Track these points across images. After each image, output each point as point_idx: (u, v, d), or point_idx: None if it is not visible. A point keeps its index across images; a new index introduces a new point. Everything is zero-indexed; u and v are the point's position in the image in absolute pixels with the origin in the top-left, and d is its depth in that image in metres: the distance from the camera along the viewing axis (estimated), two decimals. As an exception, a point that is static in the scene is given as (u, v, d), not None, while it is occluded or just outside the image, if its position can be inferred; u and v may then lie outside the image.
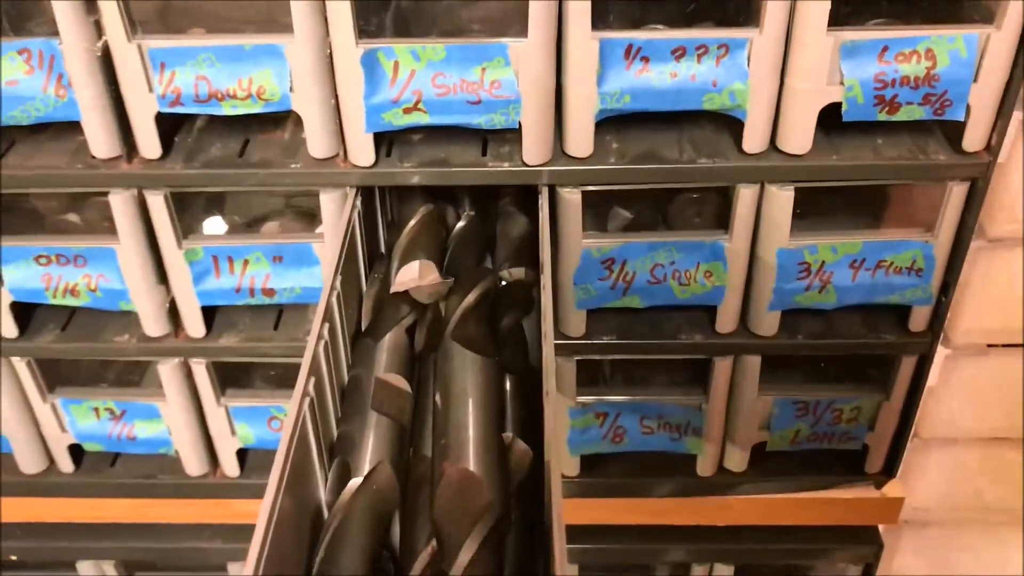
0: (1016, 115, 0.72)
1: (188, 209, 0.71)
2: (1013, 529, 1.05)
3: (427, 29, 0.63)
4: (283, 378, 0.81)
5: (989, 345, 0.88)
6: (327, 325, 0.55)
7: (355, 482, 0.48)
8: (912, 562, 1.07)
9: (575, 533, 0.86)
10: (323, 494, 0.52)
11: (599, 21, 0.61)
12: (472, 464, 0.49)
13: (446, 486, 0.48)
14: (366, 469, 0.51)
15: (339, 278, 0.61)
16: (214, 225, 0.76)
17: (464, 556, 0.44)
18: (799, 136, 0.64)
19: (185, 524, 0.89)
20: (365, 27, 0.60)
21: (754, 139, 0.64)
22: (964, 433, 0.95)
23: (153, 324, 0.74)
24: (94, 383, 0.83)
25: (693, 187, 0.69)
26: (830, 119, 0.64)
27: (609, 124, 0.67)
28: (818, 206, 0.74)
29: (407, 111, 0.62)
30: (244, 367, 0.80)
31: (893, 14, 0.66)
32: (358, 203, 0.67)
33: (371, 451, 0.53)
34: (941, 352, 0.86)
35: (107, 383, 0.84)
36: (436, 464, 0.51)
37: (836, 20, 0.60)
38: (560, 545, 0.39)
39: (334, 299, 0.58)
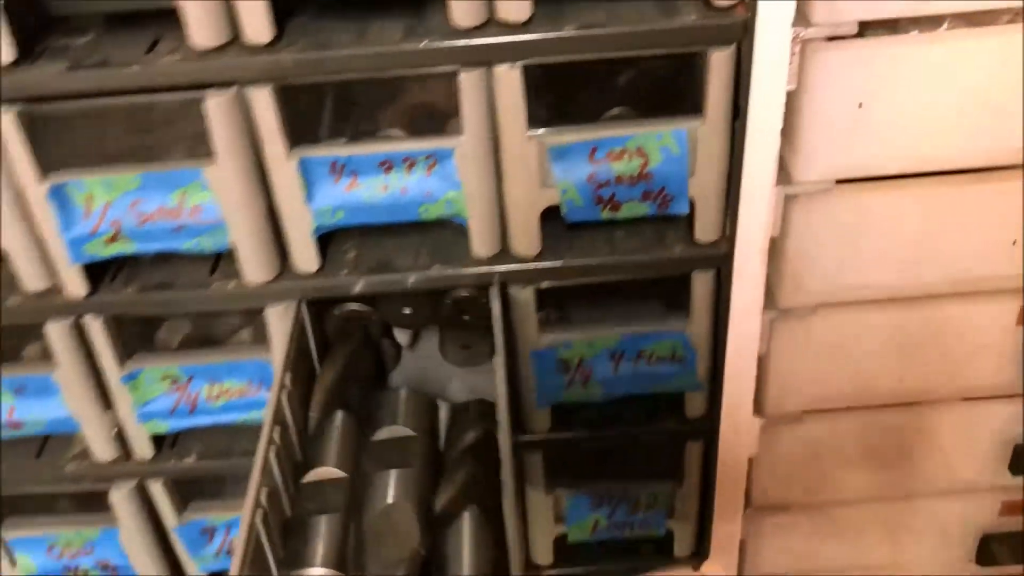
0: (778, 190, 0.72)
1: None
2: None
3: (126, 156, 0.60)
4: (55, 505, 0.78)
5: (804, 412, 0.87)
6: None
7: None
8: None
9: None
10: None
11: (310, 135, 0.59)
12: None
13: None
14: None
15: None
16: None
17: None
18: (525, 240, 0.62)
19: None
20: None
21: (482, 244, 0.63)
22: (795, 499, 0.94)
23: (-95, 462, 0.71)
24: None
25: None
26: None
27: (351, 232, 0.65)
28: (594, 297, 0.73)
29: (109, 241, 0.60)
30: (16, 497, 0.77)
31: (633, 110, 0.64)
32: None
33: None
34: (756, 422, 0.85)
35: None
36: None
37: (565, 118, 0.59)
38: None
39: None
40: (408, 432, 0.67)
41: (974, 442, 0.90)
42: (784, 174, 0.72)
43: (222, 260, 0.65)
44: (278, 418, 0.58)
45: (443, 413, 0.74)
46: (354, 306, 0.70)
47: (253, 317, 0.73)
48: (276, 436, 0.57)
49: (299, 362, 0.63)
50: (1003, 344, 0.83)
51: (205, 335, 0.75)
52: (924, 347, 0.83)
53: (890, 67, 0.67)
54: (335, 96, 0.61)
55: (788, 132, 0.68)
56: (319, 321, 0.69)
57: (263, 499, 0.53)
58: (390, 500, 0.60)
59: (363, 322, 0.71)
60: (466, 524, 0.61)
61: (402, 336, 0.76)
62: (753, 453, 0.86)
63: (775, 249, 0.75)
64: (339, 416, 0.64)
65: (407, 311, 0.72)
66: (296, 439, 0.61)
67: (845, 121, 0.69)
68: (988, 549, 0.97)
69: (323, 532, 0.57)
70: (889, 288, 0.79)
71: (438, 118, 0.62)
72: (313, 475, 0.61)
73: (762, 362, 0.81)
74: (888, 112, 0.69)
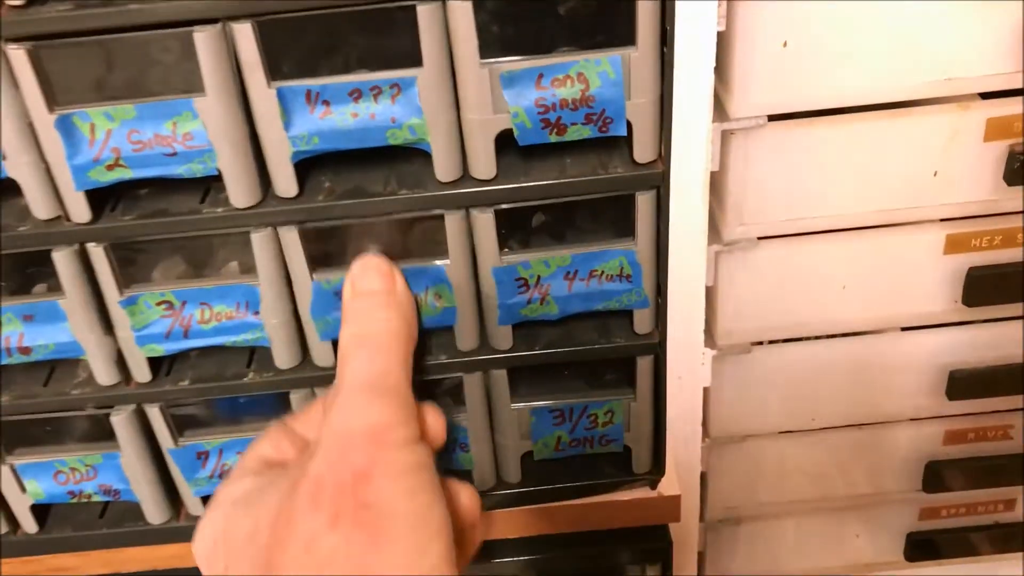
0: (716, 126, 0.79)
1: None
2: (823, 517, 1.10)
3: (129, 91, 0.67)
4: (60, 432, 0.85)
5: (753, 343, 0.94)
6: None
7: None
8: (739, 561, 1.12)
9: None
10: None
11: (293, 68, 0.66)
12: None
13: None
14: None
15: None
16: (-20, 291, 0.80)
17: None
18: (482, 163, 0.69)
19: (-4, 585, 0.91)
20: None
21: (444, 168, 0.70)
22: (749, 430, 1.00)
23: (-77, 390, 0.78)
24: None
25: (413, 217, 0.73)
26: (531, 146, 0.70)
27: (325, 164, 0.73)
28: (560, 224, 0.80)
29: (109, 168, 0.67)
30: (25, 424, 0.84)
31: (575, 42, 0.72)
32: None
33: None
34: (708, 354, 0.92)
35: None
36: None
37: (514, 50, 0.66)
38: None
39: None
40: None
41: (913, 371, 0.97)
42: (720, 112, 0.79)
43: (210, 192, 0.73)
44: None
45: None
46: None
47: (240, 251, 0.80)
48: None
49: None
50: (933, 273, 0.90)
51: (197, 274, 0.81)
52: (862, 278, 0.91)
53: (810, 7, 0.75)
54: (312, 36, 0.68)
55: (720, 71, 0.76)
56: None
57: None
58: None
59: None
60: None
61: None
62: (707, 383, 0.93)
63: (716, 183, 0.83)
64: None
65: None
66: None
67: (772, 60, 0.77)
68: (933, 476, 1.03)
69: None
70: (825, 220, 0.87)
71: (399, 55, 0.69)
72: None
73: (710, 294, 0.89)
74: (811, 50, 0.77)
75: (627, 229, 0.76)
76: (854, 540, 1.13)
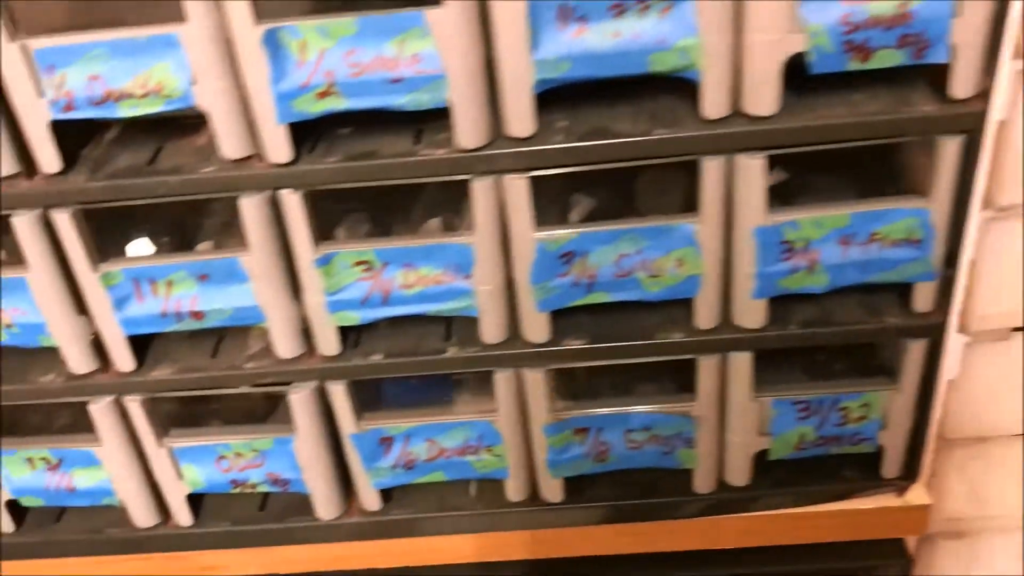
0: (1014, 64, 0.65)
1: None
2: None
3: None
4: (227, 411, 0.74)
5: (1013, 329, 0.80)
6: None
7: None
8: (951, 580, 0.98)
9: (562, 565, 0.78)
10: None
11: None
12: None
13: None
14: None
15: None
16: (141, 247, 0.70)
17: None
18: (764, 95, 0.57)
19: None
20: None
21: (713, 102, 0.57)
22: (994, 430, 0.86)
23: (78, 359, 0.68)
24: (24, 431, 0.76)
25: (655, 164, 0.61)
26: (800, 78, 0.57)
27: (558, 99, 0.61)
28: (808, 179, 0.68)
29: (321, 96, 0.56)
30: (184, 401, 0.73)
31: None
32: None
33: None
34: (959, 340, 0.78)
35: (41, 431, 0.77)
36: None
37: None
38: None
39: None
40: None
41: None
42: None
43: (424, 132, 0.61)
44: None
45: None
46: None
47: (442, 208, 0.69)
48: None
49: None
50: None
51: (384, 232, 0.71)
52: None
53: None
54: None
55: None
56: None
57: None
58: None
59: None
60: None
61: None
62: (954, 376, 0.80)
63: (997, 136, 0.69)
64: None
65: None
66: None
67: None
68: None
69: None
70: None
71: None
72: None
73: (970, 270, 0.75)
74: None
75: (880, 188, 0.63)
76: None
